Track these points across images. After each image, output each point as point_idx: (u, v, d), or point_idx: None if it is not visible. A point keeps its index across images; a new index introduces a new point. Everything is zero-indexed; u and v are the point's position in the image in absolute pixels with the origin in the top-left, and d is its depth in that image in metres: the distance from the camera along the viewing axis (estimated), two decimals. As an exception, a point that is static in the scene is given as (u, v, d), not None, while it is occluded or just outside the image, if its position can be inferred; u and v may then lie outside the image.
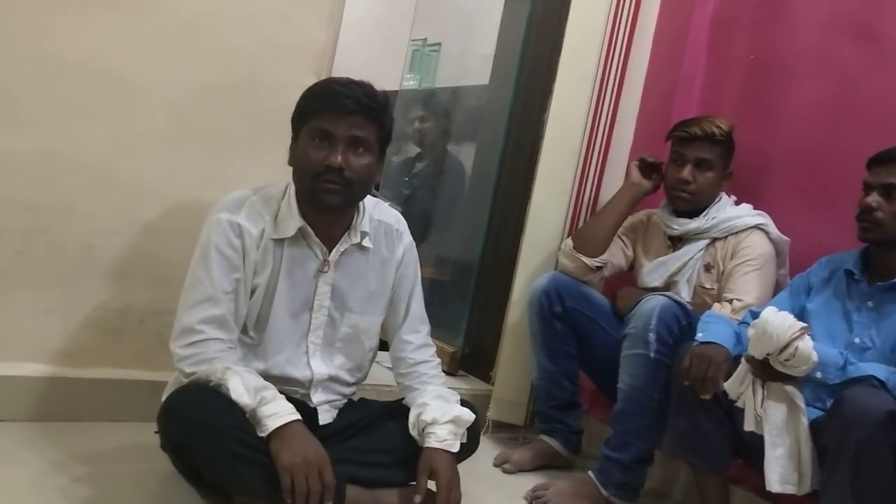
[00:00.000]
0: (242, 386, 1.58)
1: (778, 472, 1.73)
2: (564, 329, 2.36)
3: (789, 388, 1.74)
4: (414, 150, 3.85)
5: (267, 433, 1.55)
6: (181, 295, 1.73)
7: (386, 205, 1.94)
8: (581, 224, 2.63)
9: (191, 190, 2.10)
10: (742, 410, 1.80)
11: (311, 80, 1.80)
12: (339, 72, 1.95)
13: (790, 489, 1.74)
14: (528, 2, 2.88)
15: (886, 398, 1.61)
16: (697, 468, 2.01)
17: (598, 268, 2.38)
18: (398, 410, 1.90)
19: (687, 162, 2.29)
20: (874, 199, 1.85)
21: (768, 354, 1.72)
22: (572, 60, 2.61)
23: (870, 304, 1.88)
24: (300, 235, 1.77)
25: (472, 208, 3.11)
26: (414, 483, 1.75)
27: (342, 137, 1.68)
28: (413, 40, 3.91)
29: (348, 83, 1.72)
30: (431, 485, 1.74)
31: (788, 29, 2.40)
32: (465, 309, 2.96)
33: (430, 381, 1.89)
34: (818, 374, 1.74)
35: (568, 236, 2.58)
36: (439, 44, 3.81)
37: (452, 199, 3.55)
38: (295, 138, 1.75)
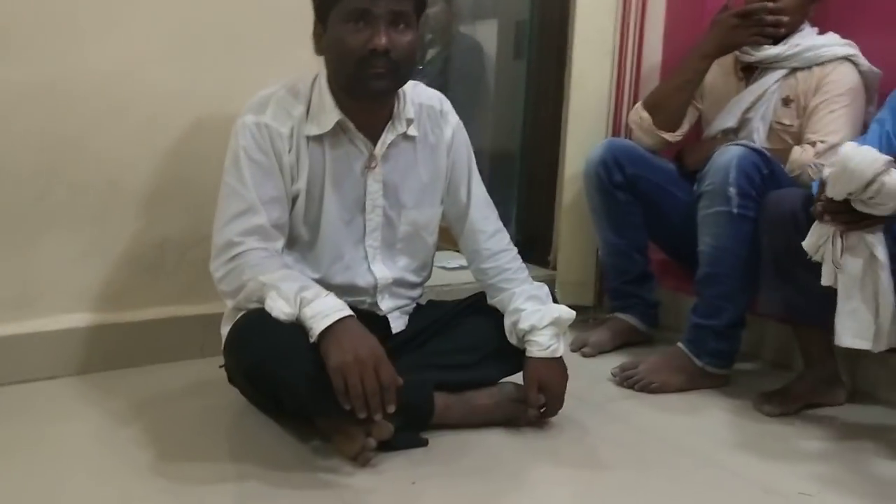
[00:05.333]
0: (281, 298, 1.43)
1: (850, 326, 1.58)
2: (628, 199, 2.19)
3: (869, 238, 1.56)
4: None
5: (315, 337, 1.40)
6: (216, 212, 1.57)
7: (423, 85, 1.74)
8: (625, 76, 2.43)
9: (209, 104, 1.92)
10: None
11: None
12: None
13: (862, 344, 1.59)
14: None
15: None
16: (795, 322, 1.88)
17: (678, 139, 2.21)
18: (474, 306, 1.77)
19: None
20: None
21: (849, 194, 1.55)
22: None
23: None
24: (339, 130, 1.59)
25: (503, 88, 2.91)
26: (506, 380, 1.68)
27: (382, 15, 1.47)
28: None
29: None
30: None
31: None
32: (512, 196, 2.80)
33: (516, 276, 1.74)
34: None
35: (615, 97, 2.39)
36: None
37: (475, 83, 3.34)
38: (321, 23, 1.54)
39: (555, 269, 2.57)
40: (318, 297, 1.45)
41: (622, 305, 2.31)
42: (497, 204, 2.93)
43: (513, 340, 1.68)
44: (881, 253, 1.58)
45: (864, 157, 1.52)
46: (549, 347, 1.65)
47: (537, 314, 1.66)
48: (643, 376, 1.97)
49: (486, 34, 3.22)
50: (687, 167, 2.17)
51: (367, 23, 1.48)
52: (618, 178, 2.17)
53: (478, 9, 3.34)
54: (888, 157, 1.52)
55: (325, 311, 1.42)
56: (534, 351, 1.65)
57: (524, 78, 2.73)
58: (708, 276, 1.96)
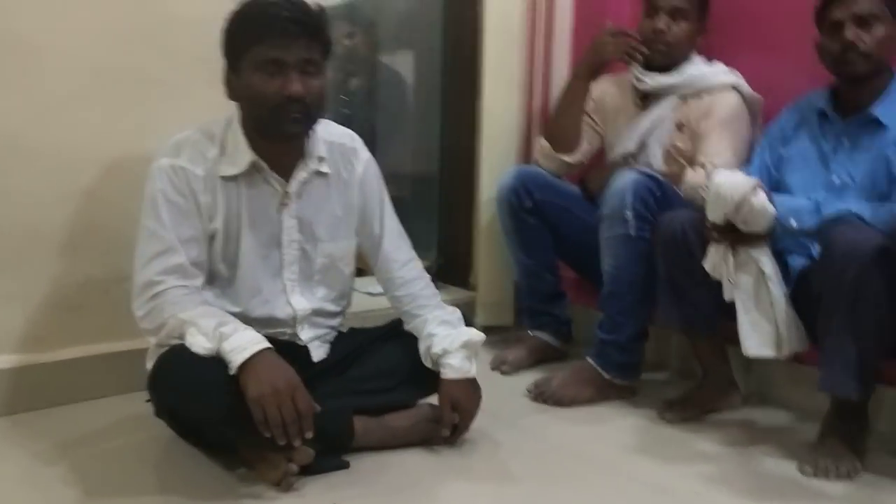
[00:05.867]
0: (200, 334, 1.51)
1: (753, 338, 1.75)
2: (537, 223, 2.32)
3: (756, 254, 1.72)
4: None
5: (234, 370, 1.48)
6: (136, 252, 1.64)
7: (335, 124, 1.84)
8: (534, 103, 2.58)
9: (124, 146, 1.97)
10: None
11: (227, 8, 1.63)
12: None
13: (767, 353, 1.75)
14: None
15: (872, 233, 1.60)
16: (690, 333, 2.02)
17: (580, 160, 2.36)
18: (391, 333, 1.87)
19: (661, 11, 2.19)
20: (854, 33, 1.77)
21: (726, 216, 1.71)
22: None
23: (845, 141, 1.85)
24: (254, 170, 1.67)
25: (422, 116, 3.01)
26: (423, 402, 1.80)
27: (294, 63, 1.57)
28: (327, -49, 3.69)
29: (280, 4, 1.57)
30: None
31: None
32: (433, 220, 2.89)
33: (428, 302, 1.84)
34: (793, 223, 1.73)
35: (526, 126, 2.54)
36: (356, -49, 3.61)
37: (397, 112, 3.44)
38: (234, 70, 1.62)
39: (475, 290, 2.67)
40: (236, 332, 1.52)
41: (537, 324, 2.43)
42: (420, 228, 3.04)
43: (427, 364, 1.77)
44: (768, 267, 1.74)
45: (732, 182, 1.67)
46: (461, 369, 1.75)
47: (449, 338, 1.75)
48: (555, 391, 2.09)
49: (406, 64, 3.33)
50: (590, 191, 2.30)
51: (280, 70, 1.57)
52: (527, 204, 2.30)
53: (397, 39, 3.44)
54: (755, 180, 1.68)
55: (242, 344, 1.50)
56: (447, 373, 1.75)
57: (439, 106, 2.84)
58: (610, 295, 2.09)
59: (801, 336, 1.77)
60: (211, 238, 1.67)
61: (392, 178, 3.29)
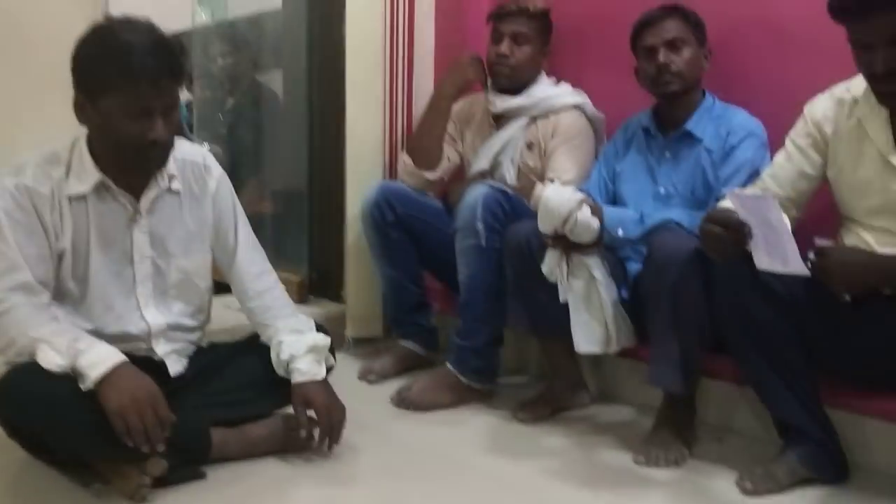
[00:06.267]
0: (52, 351, 1.53)
1: (583, 335, 1.89)
2: (400, 236, 2.41)
3: (587, 261, 1.86)
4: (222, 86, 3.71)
5: (92, 385, 1.50)
6: None
7: (187, 142, 1.87)
8: (397, 121, 2.67)
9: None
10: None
11: (83, 29, 1.63)
12: (118, 10, 1.82)
13: (595, 349, 1.90)
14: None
15: (689, 238, 1.75)
16: (541, 336, 2.14)
17: (440, 177, 2.48)
18: (248, 345, 1.91)
19: (504, 36, 2.33)
20: (666, 56, 1.94)
21: (555, 229, 1.83)
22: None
23: (667, 154, 2.02)
24: (102, 188, 1.69)
25: (292, 134, 3.06)
26: (280, 411, 1.85)
27: (159, 108, 1.59)
28: (196, -28, 3.71)
29: (146, 48, 1.56)
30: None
31: None
32: (305, 235, 2.94)
33: (280, 312, 1.88)
34: (619, 233, 1.87)
35: (388, 141, 2.63)
36: (225, -28, 3.64)
37: (272, 130, 3.48)
38: (90, 99, 1.60)
39: (346, 303, 2.73)
40: (92, 347, 1.55)
41: (403, 333, 2.51)
42: (292, 243, 3.07)
43: (280, 372, 1.82)
44: (598, 272, 1.88)
45: (559, 197, 1.80)
46: (309, 372, 1.80)
47: (296, 344, 1.81)
48: (416, 397, 2.17)
49: (276, 83, 3.37)
50: (451, 205, 2.40)
51: (145, 115, 1.58)
52: (390, 218, 2.38)
53: (268, 59, 3.48)
54: (580, 196, 1.82)
55: (99, 359, 1.53)
56: (297, 377, 1.80)
57: (307, 124, 2.90)
58: (465, 303, 2.20)
59: (628, 334, 1.91)
60: (59, 256, 1.67)
61: (266, 195, 3.36)
